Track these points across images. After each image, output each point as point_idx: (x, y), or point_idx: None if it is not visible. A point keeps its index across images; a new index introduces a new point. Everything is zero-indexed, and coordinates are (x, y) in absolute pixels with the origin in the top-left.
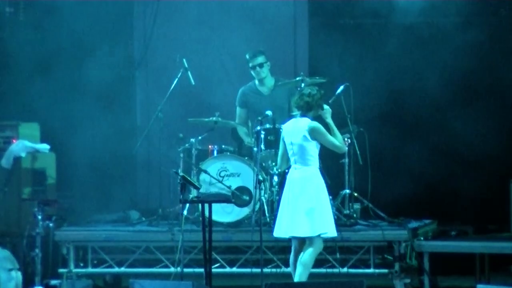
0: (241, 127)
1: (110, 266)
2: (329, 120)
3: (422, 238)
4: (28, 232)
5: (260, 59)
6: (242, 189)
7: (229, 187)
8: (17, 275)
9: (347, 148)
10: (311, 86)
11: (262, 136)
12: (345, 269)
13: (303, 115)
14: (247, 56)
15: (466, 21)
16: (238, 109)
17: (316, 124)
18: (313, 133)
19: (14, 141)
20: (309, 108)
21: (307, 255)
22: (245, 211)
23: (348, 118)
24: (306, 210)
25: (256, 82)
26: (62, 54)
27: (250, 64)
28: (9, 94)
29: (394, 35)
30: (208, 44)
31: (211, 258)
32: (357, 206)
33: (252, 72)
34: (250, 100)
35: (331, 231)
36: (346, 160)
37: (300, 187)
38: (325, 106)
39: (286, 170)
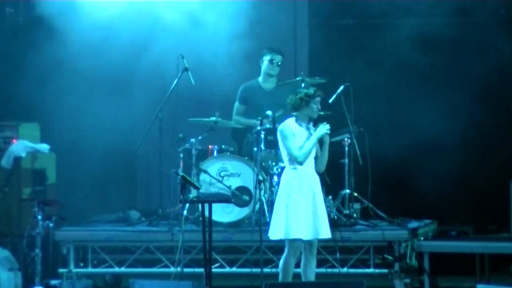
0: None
1: (110, 266)
2: (316, 134)
3: (422, 238)
4: (28, 232)
5: (280, 58)
6: (242, 189)
7: (229, 187)
8: (17, 275)
9: (301, 162)
10: (307, 87)
11: (262, 136)
12: (345, 269)
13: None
14: (266, 50)
15: (466, 21)
16: (236, 104)
17: (282, 127)
18: (278, 134)
19: (14, 141)
20: (292, 109)
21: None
22: (245, 211)
23: (348, 118)
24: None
25: (260, 79)
26: (62, 54)
27: (269, 57)
28: (9, 94)
29: (394, 35)
30: (208, 43)
31: (211, 258)
32: (357, 206)
33: (267, 65)
34: (251, 97)
35: (279, 234)
36: (346, 160)
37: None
38: (323, 125)
39: None
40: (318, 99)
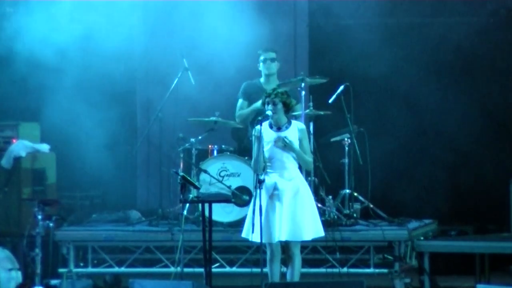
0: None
1: (110, 266)
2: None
3: (422, 238)
4: (28, 232)
5: (273, 55)
6: (242, 189)
7: (229, 187)
8: (17, 275)
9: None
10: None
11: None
12: (345, 269)
13: None
14: (259, 51)
15: (466, 21)
16: (240, 101)
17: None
18: None
19: (14, 141)
20: None
21: None
22: (245, 211)
23: (348, 118)
24: None
25: (262, 79)
26: (62, 53)
27: (262, 57)
28: (9, 94)
29: (394, 35)
30: (208, 44)
31: (211, 258)
32: (357, 206)
33: (263, 66)
34: (253, 96)
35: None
36: (346, 160)
37: None
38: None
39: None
40: (271, 104)
